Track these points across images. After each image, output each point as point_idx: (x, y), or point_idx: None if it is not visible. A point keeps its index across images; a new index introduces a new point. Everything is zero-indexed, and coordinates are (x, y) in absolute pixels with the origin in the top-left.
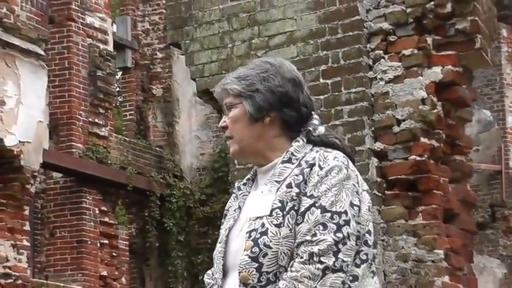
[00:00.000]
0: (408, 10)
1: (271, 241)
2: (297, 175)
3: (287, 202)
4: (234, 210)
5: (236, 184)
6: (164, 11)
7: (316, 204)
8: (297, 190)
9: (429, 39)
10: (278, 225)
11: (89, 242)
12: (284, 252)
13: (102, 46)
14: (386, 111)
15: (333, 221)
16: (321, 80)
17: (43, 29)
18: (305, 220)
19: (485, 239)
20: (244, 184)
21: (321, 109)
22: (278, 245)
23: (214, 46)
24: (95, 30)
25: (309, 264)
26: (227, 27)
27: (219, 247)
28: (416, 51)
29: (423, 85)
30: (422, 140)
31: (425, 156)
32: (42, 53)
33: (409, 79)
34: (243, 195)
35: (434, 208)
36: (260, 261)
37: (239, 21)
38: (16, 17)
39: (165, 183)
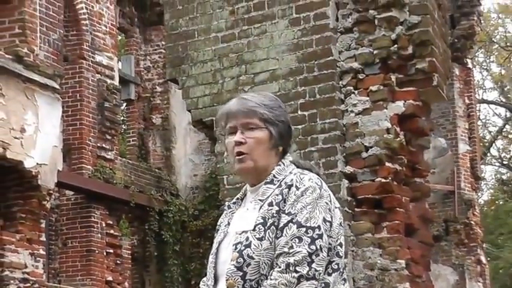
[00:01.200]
0: (375, 52)
1: (254, 253)
2: (277, 195)
3: (268, 218)
4: (225, 226)
5: (227, 203)
6: (163, 51)
7: (293, 220)
8: (277, 208)
9: (393, 77)
10: (260, 239)
11: (97, 251)
12: (265, 263)
13: (109, 81)
14: (356, 139)
15: (308, 235)
16: (299, 112)
17: (58, 66)
18: (283, 234)
19: (440, 250)
20: (234, 203)
21: (299, 137)
22: (260, 256)
23: (207, 82)
24: (103, 67)
25: (286, 273)
26: (218, 65)
27: (211, 258)
28: (382, 88)
29: (388, 117)
30: (387, 164)
31: (390, 178)
32: (57, 87)
33: (375, 111)
34: (232, 213)
35: (397, 223)
36: (244, 270)
37: (229, 61)
38: (35, 56)
39: (163, 200)
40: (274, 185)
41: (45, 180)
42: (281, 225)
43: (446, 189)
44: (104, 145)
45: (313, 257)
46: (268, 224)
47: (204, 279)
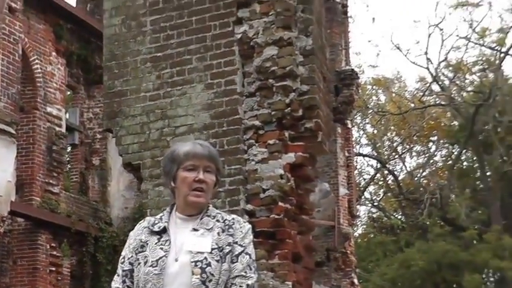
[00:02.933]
0: (273, 113)
1: (214, 271)
2: (222, 227)
3: (223, 246)
4: (156, 244)
5: (159, 225)
6: (103, 105)
7: (245, 251)
8: (231, 239)
9: (286, 134)
10: (218, 261)
11: (41, 269)
12: (223, 281)
13: (57, 128)
14: (255, 183)
15: (253, 265)
16: None
17: (15, 115)
18: (239, 261)
19: (322, 273)
20: (165, 228)
21: None
22: (219, 274)
23: (136, 132)
24: (53, 117)
25: None
26: (146, 119)
27: (152, 270)
28: (277, 142)
29: (281, 165)
30: (280, 203)
31: (282, 215)
32: (13, 132)
33: (272, 161)
34: (167, 235)
35: (286, 252)
36: (206, 284)
37: (155, 116)
38: None
39: (99, 228)
40: (213, 218)
41: (0, 209)
42: (236, 253)
43: (329, 224)
44: (51, 181)
45: (256, 282)
46: (226, 250)
47: (120, 286)
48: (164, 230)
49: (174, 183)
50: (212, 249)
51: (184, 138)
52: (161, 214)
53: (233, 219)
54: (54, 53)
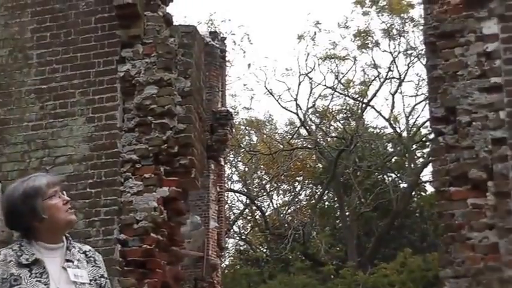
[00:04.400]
0: (150, 148)
1: None
2: (87, 259)
3: (96, 277)
4: (30, 277)
5: (25, 257)
6: None
7: (107, 283)
8: (102, 271)
9: (162, 169)
10: None
11: None
12: None
13: None
14: (130, 214)
15: None
16: (88, 189)
17: None
18: None
19: None
20: (36, 259)
21: (86, 209)
22: None
23: (16, 160)
24: None
25: None
26: (27, 148)
27: None
28: (153, 176)
29: (155, 198)
30: (152, 234)
31: (153, 246)
32: None
33: (146, 194)
34: (40, 267)
35: (156, 281)
36: None
37: (36, 145)
38: None
39: None
40: (73, 249)
41: None
42: (108, 285)
43: (198, 255)
44: None
45: None
46: (100, 282)
47: None
48: (34, 262)
49: (44, 215)
50: (90, 280)
51: (63, 168)
52: (17, 246)
53: (90, 250)
54: None
